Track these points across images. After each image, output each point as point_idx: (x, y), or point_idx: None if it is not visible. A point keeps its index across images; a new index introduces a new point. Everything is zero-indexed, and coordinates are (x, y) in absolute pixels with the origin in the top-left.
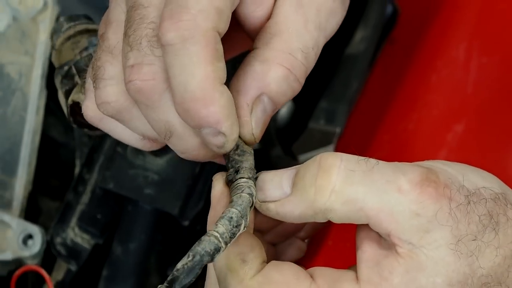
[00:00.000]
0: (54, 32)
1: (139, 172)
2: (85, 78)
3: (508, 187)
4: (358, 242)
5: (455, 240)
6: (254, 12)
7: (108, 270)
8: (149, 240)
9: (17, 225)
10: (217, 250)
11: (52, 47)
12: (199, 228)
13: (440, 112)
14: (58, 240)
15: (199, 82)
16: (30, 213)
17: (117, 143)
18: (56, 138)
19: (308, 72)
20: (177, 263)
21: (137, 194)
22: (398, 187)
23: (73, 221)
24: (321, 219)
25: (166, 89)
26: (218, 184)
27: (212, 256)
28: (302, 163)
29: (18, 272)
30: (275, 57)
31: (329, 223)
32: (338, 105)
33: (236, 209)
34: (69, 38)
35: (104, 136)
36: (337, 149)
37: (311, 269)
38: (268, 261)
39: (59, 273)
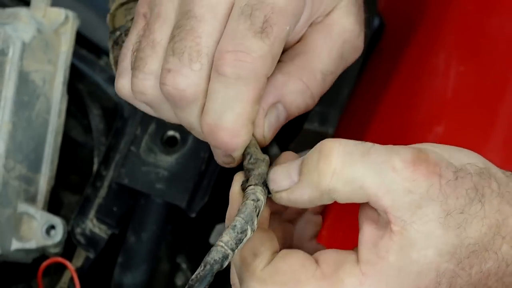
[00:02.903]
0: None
1: (151, 169)
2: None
3: (490, 162)
4: (360, 224)
5: (444, 214)
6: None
7: (123, 257)
8: (160, 230)
9: (41, 217)
10: (225, 257)
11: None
12: (206, 220)
13: (422, 115)
14: (78, 230)
15: (233, 116)
16: (53, 206)
17: (131, 143)
18: (76, 138)
19: (323, 92)
20: (185, 251)
21: (149, 188)
22: (392, 166)
23: (92, 213)
24: (327, 200)
25: (193, 101)
26: (235, 185)
27: (221, 264)
28: None
29: (45, 263)
30: (296, 72)
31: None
32: (331, 108)
33: (240, 216)
34: (122, 4)
35: (119, 137)
36: None
37: (316, 254)
38: (287, 240)
39: (79, 260)
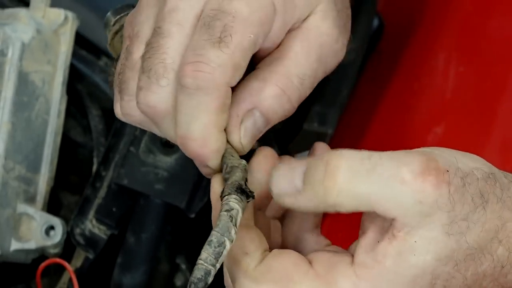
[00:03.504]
0: (105, 27)
1: (150, 170)
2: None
3: (494, 167)
4: (362, 228)
5: (450, 221)
6: (265, 44)
7: (122, 258)
8: (159, 230)
9: (40, 217)
10: (208, 273)
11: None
12: (205, 220)
13: (422, 115)
14: (77, 231)
15: (200, 126)
16: (52, 206)
17: (131, 143)
18: (76, 139)
19: (303, 97)
20: (185, 252)
21: (149, 189)
22: (401, 178)
23: (91, 213)
24: (332, 211)
25: (166, 116)
26: (213, 191)
27: (205, 281)
28: None
29: (44, 264)
30: (272, 78)
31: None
32: (330, 109)
33: (215, 230)
34: (116, 32)
35: (119, 137)
36: None
37: (310, 255)
38: (276, 238)
39: (78, 261)
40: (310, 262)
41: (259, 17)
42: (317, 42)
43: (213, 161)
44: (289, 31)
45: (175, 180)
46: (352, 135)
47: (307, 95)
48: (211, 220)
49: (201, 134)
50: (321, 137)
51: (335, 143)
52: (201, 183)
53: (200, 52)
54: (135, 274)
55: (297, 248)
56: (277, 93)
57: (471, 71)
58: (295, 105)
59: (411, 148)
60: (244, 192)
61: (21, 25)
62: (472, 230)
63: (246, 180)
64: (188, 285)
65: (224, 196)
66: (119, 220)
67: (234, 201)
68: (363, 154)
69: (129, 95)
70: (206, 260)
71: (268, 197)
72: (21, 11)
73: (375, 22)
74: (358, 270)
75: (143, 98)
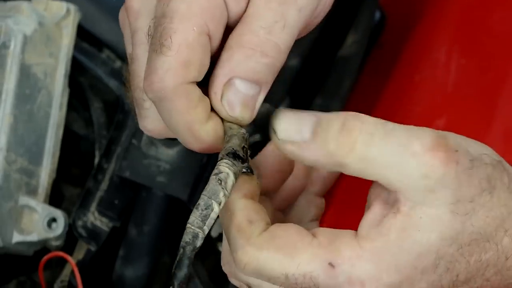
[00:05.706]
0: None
1: (152, 162)
2: None
3: (502, 158)
4: (368, 201)
5: (455, 200)
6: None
7: (124, 250)
8: (161, 223)
9: (42, 210)
10: (195, 236)
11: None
12: None
13: (423, 108)
14: (79, 223)
15: (183, 130)
16: (54, 198)
17: (133, 136)
18: (78, 131)
19: (284, 43)
20: None
21: (151, 181)
22: (411, 150)
23: (93, 206)
24: (334, 170)
25: (167, 131)
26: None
27: (193, 244)
28: None
29: (46, 257)
30: (236, 42)
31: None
32: (332, 101)
33: (203, 194)
34: None
35: (121, 130)
36: None
37: (313, 230)
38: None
39: (80, 253)
40: (313, 235)
41: (200, 6)
42: None
43: (219, 146)
44: None
45: (177, 173)
46: None
47: (291, 39)
48: None
49: (190, 135)
50: None
51: None
52: (203, 175)
53: (149, 64)
54: (137, 267)
55: None
56: (247, 53)
57: (472, 63)
58: (276, 55)
59: None
60: (237, 156)
61: (23, 18)
62: (477, 214)
63: (244, 147)
64: (178, 250)
65: (217, 161)
66: (121, 212)
67: (224, 165)
68: (379, 120)
69: (141, 114)
70: (193, 223)
71: (276, 183)
72: (23, 4)
73: (377, 15)
74: (362, 242)
75: (141, 126)
